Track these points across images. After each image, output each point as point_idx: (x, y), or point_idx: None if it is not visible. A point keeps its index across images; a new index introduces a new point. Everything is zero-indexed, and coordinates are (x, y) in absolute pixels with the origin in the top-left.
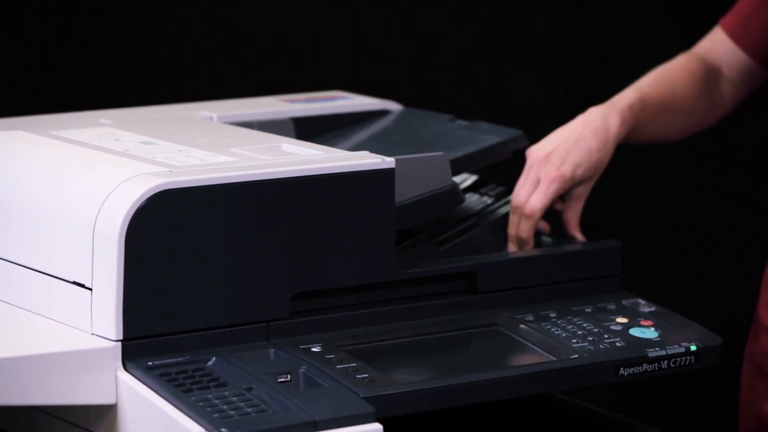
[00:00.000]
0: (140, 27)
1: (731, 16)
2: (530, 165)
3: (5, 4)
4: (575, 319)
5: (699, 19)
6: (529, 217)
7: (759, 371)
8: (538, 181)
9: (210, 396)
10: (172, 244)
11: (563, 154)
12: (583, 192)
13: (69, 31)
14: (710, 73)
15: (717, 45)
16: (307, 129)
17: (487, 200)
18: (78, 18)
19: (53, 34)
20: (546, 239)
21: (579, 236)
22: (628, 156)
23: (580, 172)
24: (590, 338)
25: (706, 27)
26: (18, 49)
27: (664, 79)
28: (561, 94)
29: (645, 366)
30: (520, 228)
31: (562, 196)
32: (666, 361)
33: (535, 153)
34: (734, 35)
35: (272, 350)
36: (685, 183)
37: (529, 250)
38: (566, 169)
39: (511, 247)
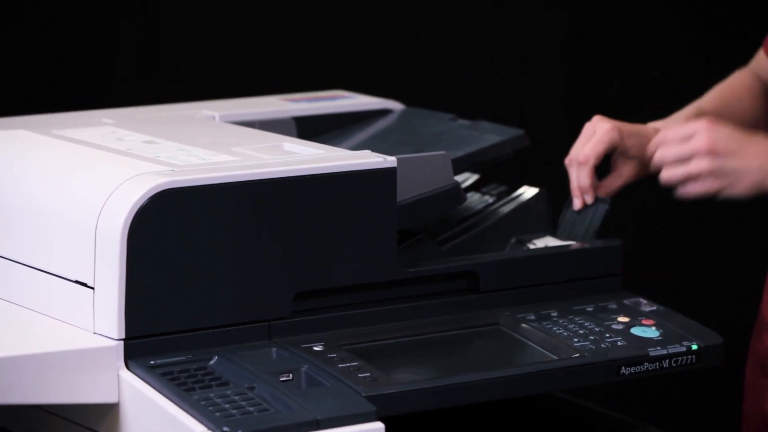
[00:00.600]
0: (143, 26)
1: None
2: (588, 125)
3: (8, 4)
4: (577, 319)
5: (699, 20)
6: (583, 163)
7: (763, 370)
8: (593, 136)
9: (212, 395)
10: (174, 243)
11: (623, 123)
12: (626, 172)
13: (71, 31)
14: (764, 90)
15: (762, 67)
16: (309, 128)
17: (489, 199)
18: (81, 17)
19: (56, 33)
20: (545, 242)
21: (590, 198)
22: None
23: (632, 141)
24: (592, 337)
25: (706, 28)
26: (21, 48)
27: (720, 95)
28: (562, 93)
29: (646, 365)
30: (578, 177)
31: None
32: (667, 361)
33: (596, 117)
34: None
35: (274, 349)
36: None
37: (531, 251)
38: (623, 128)
39: (576, 203)
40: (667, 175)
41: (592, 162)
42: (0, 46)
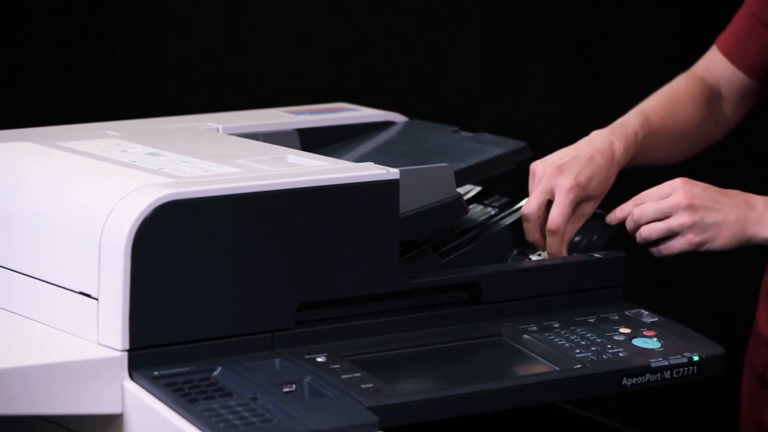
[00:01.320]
0: (147, 39)
1: (726, 36)
2: (541, 175)
3: (13, 16)
4: (578, 330)
5: (702, 30)
6: (554, 232)
7: (759, 381)
8: (551, 192)
9: (215, 406)
10: (178, 255)
11: (577, 166)
12: (587, 210)
13: (76, 44)
14: (711, 94)
15: (715, 65)
16: (312, 140)
17: (491, 211)
18: (85, 30)
19: (60, 46)
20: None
21: (564, 253)
22: (630, 168)
23: (593, 184)
24: (593, 348)
25: (705, 39)
26: (25, 61)
27: (667, 103)
28: (564, 105)
29: (648, 376)
30: (549, 246)
31: None
32: (669, 372)
33: (544, 165)
34: (731, 56)
35: (277, 360)
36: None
37: (532, 261)
38: (582, 180)
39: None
40: (646, 231)
41: (562, 230)
42: (3, 58)
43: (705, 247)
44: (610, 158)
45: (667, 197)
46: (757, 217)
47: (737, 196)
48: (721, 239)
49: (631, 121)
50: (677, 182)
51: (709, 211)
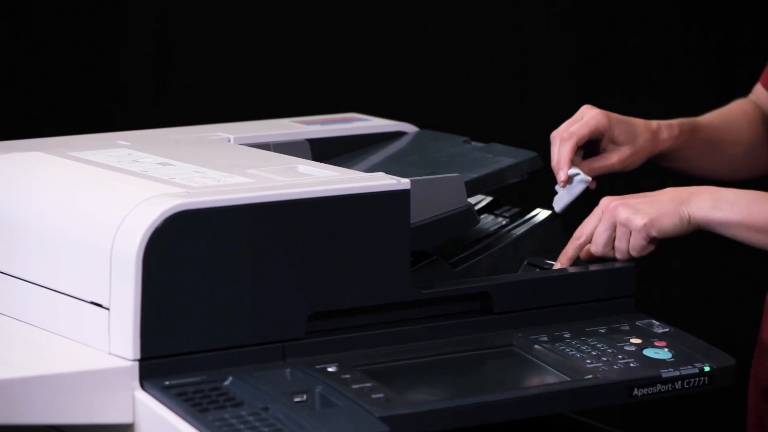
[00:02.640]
0: (158, 50)
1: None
2: (579, 111)
3: (23, 27)
4: (589, 340)
5: (708, 37)
6: (566, 139)
7: (765, 393)
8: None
9: (226, 415)
10: (190, 264)
11: (612, 113)
12: (613, 158)
13: (87, 55)
14: (764, 117)
15: (761, 99)
16: (323, 150)
17: (502, 221)
18: (96, 41)
19: (72, 57)
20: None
21: (563, 174)
22: (641, 175)
23: (621, 128)
24: (604, 359)
25: (716, 46)
26: (36, 72)
27: (719, 114)
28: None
29: (659, 386)
30: (558, 152)
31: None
32: (679, 382)
33: (586, 105)
34: None
35: (288, 370)
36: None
37: (544, 272)
38: (611, 114)
39: (559, 177)
40: (594, 242)
41: (574, 140)
42: (15, 69)
43: (655, 231)
44: (649, 128)
45: (599, 215)
46: (687, 195)
47: (664, 190)
48: (664, 219)
49: (678, 120)
50: (602, 200)
51: (638, 198)
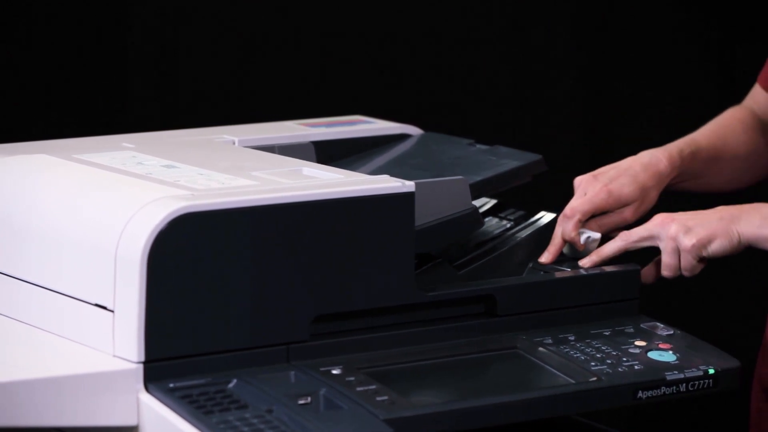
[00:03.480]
0: (162, 52)
1: (766, 71)
2: (578, 185)
3: (28, 31)
4: (594, 342)
5: (718, 47)
6: (569, 217)
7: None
8: (584, 196)
9: (231, 418)
10: (194, 267)
11: (612, 174)
12: (626, 215)
13: (91, 57)
14: (762, 123)
15: (760, 99)
16: (328, 153)
17: (507, 224)
18: (101, 44)
19: (76, 59)
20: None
21: (588, 263)
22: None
23: (626, 191)
24: (609, 361)
25: (724, 56)
26: (41, 74)
27: (715, 128)
28: (580, 118)
29: (663, 389)
30: (563, 230)
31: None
32: (684, 385)
33: (583, 176)
34: None
35: (293, 372)
36: (703, 206)
37: (548, 275)
38: (613, 187)
39: (549, 254)
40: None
41: (576, 217)
42: (19, 72)
43: (706, 252)
44: (653, 169)
45: (649, 226)
46: (737, 212)
47: (713, 210)
48: (714, 240)
49: (678, 141)
50: (656, 216)
51: (689, 217)
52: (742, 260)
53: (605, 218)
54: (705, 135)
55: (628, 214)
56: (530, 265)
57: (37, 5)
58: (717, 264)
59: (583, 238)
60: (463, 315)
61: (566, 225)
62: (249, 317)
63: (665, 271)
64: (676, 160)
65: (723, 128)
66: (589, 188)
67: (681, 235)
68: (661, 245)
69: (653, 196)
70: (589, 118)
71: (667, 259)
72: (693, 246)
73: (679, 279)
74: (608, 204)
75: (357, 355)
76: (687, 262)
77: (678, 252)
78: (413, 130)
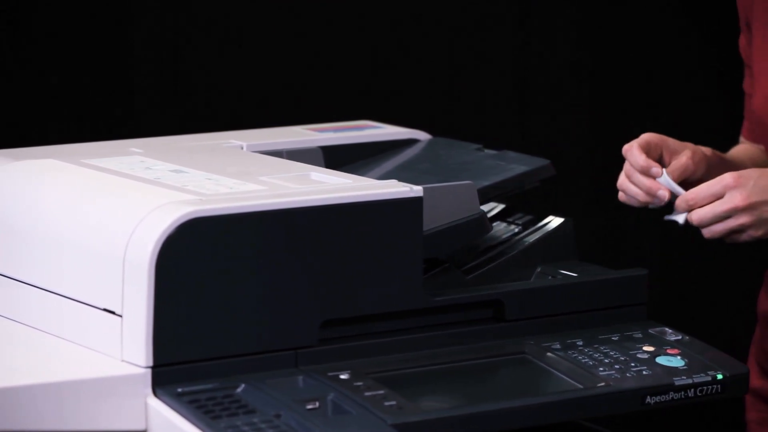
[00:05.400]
0: (171, 58)
1: (746, 125)
2: (626, 149)
3: (37, 35)
4: (602, 348)
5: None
6: (628, 149)
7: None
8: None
9: (239, 423)
10: (202, 272)
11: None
12: (682, 164)
13: (100, 62)
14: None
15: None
16: (336, 158)
17: (515, 229)
18: (109, 48)
19: (84, 64)
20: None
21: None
22: None
23: (671, 141)
24: (617, 366)
25: (735, 61)
26: (50, 79)
27: (735, 150)
28: (588, 123)
29: (672, 394)
30: (632, 162)
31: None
32: (692, 390)
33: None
34: (755, 140)
35: (301, 377)
36: None
37: (556, 280)
38: (652, 138)
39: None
40: (709, 233)
41: (634, 144)
42: (27, 77)
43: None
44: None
45: (721, 197)
46: None
47: None
48: None
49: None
50: (728, 179)
51: (766, 207)
52: (753, 265)
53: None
54: (728, 152)
55: (684, 159)
56: (538, 269)
57: (47, 12)
58: (727, 269)
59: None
60: (471, 320)
61: (632, 156)
62: (257, 322)
63: (706, 233)
64: (706, 148)
65: (743, 150)
66: (633, 147)
67: (754, 228)
68: (718, 207)
69: (701, 155)
70: (597, 123)
71: (719, 227)
72: (761, 236)
73: (687, 284)
74: (659, 138)
75: (365, 360)
76: (742, 240)
77: (736, 231)
78: (421, 135)
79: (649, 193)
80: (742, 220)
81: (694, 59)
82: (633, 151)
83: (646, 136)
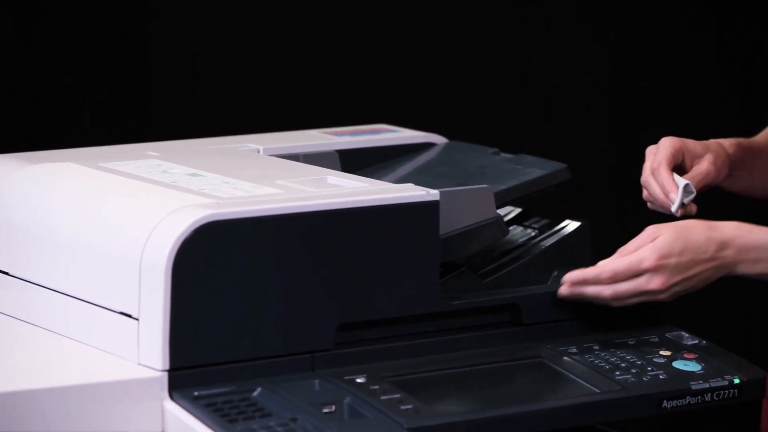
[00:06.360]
0: (187, 61)
1: None
2: (649, 151)
3: (55, 39)
4: (618, 352)
5: (744, 55)
6: (656, 168)
7: None
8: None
9: (255, 426)
10: (219, 275)
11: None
12: (703, 171)
13: (116, 66)
14: None
15: None
16: (353, 161)
17: (531, 233)
18: (127, 52)
19: (103, 68)
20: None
21: (674, 196)
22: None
23: (691, 143)
24: (633, 370)
25: (751, 63)
26: (67, 83)
27: (763, 134)
28: (605, 127)
29: (688, 399)
30: (661, 182)
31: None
32: (709, 394)
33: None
34: None
35: (317, 381)
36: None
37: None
38: (681, 139)
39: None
40: (619, 303)
41: (664, 163)
42: (45, 80)
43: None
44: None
45: (639, 274)
46: (740, 256)
47: (710, 248)
48: (696, 288)
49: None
50: (649, 260)
51: (683, 282)
52: None
53: (688, 176)
54: (759, 136)
55: (705, 165)
56: (555, 273)
57: (65, 15)
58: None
59: (681, 184)
60: (488, 324)
61: (659, 177)
62: (274, 325)
63: (614, 302)
64: (731, 141)
65: None
66: (659, 145)
67: (659, 293)
68: (636, 282)
69: (722, 159)
70: (613, 127)
71: (622, 288)
72: (660, 300)
73: (704, 288)
74: (682, 145)
75: (381, 364)
76: (635, 301)
77: (642, 297)
78: (438, 139)
79: (664, 205)
80: (657, 297)
81: (713, 56)
82: (661, 171)
83: (668, 147)
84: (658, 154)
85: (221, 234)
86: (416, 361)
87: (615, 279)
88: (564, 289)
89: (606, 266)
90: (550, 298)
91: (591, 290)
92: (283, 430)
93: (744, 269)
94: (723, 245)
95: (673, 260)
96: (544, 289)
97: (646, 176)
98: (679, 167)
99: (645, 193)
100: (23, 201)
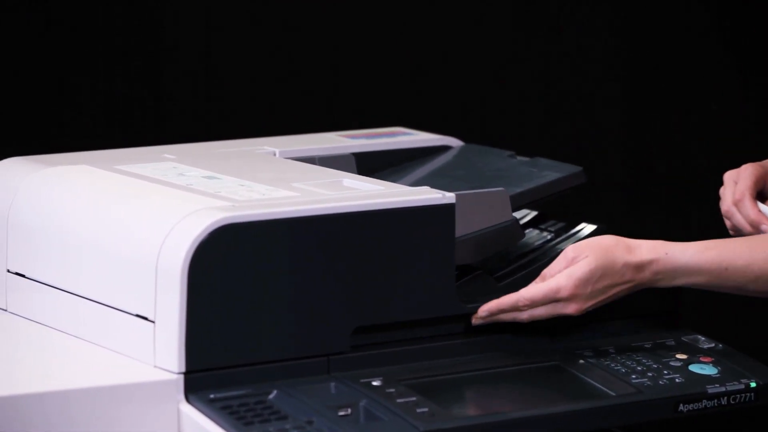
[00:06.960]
0: (204, 64)
1: None
2: (727, 178)
3: (72, 41)
4: (634, 355)
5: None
6: (739, 200)
7: None
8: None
9: (271, 429)
10: (235, 278)
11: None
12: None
13: (133, 69)
14: None
15: None
16: (369, 164)
17: (547, 236)
18: (144, 55)
19: (119, 70)
20: None
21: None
22: (692, 193)
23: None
24: (649, 374)
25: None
26: (84, 85)
27: None
28: (620, 130)
29: (704, 402)
30: (745, 216)
31: None
32: (725, 398)
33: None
34: None
35: (333, 384)
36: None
37: None
38: (759, 163)
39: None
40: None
41: (747, 194)
42: (62, 82)
43: None
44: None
45: (555, 301)
46: (646, 283)
47: (626, 273)
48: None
49: None
50: (566, 289)
51: (597, 303)
52: None
53: None
54: None
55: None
56: None
57: (82, 18)
58: None
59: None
60: (504, 327)
61: (744, 209)
62: (290, 328)
63: (525, 315)
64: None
65: None
66: (739, 171)
67: (570, 311)
68: (552, 306)
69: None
70: (630, 131)
71: (537, 312)
72: (570, 314)
73: (721, 292)
74: (763, 172)
75: (397, 367)
76: (547, 314)
77: (552, 314)
78: (454, 142)
79: (753, 225)
80: (568, 309)
81: (730, 63)
82: (746, 203)
83: (750, 175)
84: (740, 183)
85: (237, 236)
86: (432, 364)
87: (532, 306)
88: (478, 319)
89: (524, 295)
90: None
91: (508, 316)
92: None
93: (663, 284)
94: (639, 268)
95: (589, 288)
96: None
97: (729, 207)
98: (760, 193)
99: (728, 224)
100: (39, 203)
